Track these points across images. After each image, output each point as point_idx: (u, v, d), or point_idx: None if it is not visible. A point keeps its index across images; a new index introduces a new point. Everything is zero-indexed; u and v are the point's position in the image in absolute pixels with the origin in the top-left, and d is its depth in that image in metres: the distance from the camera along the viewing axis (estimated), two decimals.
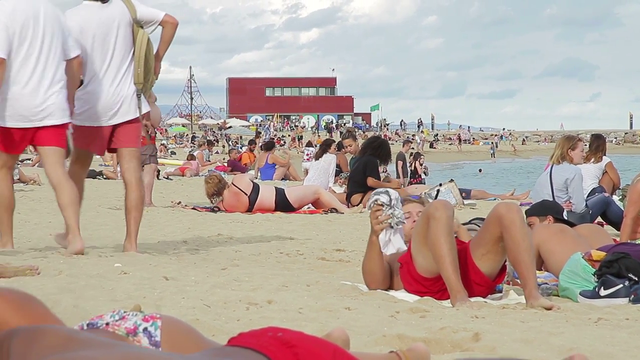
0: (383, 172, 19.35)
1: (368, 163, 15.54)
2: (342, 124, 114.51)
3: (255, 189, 13.73)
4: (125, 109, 7.89)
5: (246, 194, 13.53)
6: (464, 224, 7.39)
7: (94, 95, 7.81)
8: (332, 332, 3.60)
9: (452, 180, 16.58)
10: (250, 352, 2.76)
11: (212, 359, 2.75)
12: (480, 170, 52.64)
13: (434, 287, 5.87)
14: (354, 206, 15.10)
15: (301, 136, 76.94)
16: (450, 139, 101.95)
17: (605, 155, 13.58)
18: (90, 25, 7.82)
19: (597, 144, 13.58)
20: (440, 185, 16.38)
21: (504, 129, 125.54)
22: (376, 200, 6.01)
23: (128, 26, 7.88)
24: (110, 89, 7.83)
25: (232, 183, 13.68)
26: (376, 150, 15.77)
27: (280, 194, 13.95)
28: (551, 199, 10.58)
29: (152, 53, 8.00)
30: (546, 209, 7.73)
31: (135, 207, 8.07)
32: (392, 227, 6.00)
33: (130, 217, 8.07)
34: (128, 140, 7.97)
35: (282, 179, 24.70)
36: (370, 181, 15.43)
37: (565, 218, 7.53)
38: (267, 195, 13.76)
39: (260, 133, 41.07)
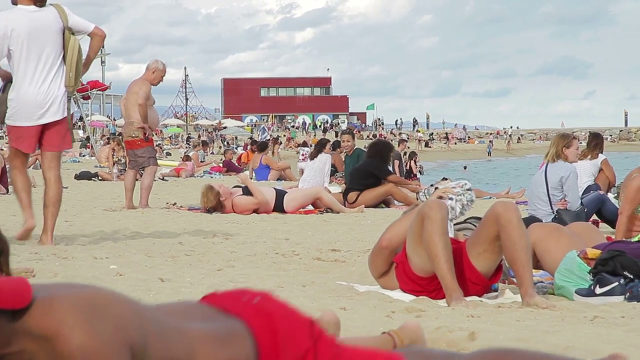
0: None
1: (378, 166, 15.70)
2: (337, 124, 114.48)
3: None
4: (55, 109, 8.28)
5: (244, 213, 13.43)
6: (459, 223, 7.40)
7: (24, 95, 8.21)
8: (323, 315, 3.62)
9: (445, 179, 16.57)
10: (226, 318, 2.74)
11: (193, 322, 2.73)
12: (465, 168, 52.64)
13: (430, 286, 5.87)
14: (350, 203, 15.12)
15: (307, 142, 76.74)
16: (445, 137, 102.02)
17: (602, 153, 13.60)
18: (22, 27, 8.21)
19: (595, 142, 13.60)
20: (432, 185, 16.40)
21: (513, 127, 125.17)
22: (465, 184, 6.54)
23: (60, 32, 8.30)
24: (40, 89, 8.23)
25: (232, 206, 13.47)
26: (377, 153, 15.88)
27: (279, 197, 13.89)
28: (546, 197, 10.59)
29: (82, 59, 8.42)
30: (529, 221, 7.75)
31: (53, 203, 8.44)
32: (450, 199, 6.41)
33: (47, 211, 8.44)
34: (52, 144, 8.40)
35: (278, 179, 24.67)
36: (394, 177, 16.19)
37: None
38: (267, 198, 13.71)
39: (278, 137, 40.81)
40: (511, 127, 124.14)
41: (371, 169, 15.71)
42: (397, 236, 6.13)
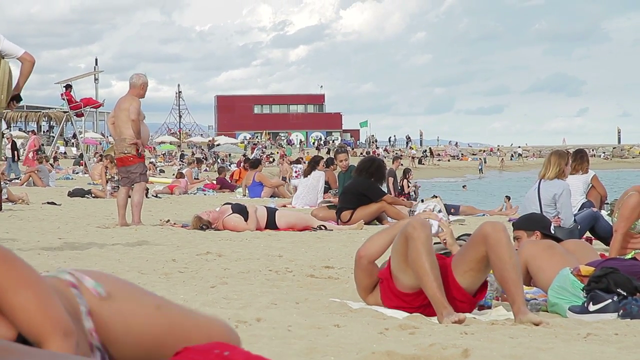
0: None
1: (370, 187, 15.51)
2: (331, 141, 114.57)
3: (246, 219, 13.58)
4: None
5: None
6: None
7: None
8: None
9: (435, 196, 16.57)
10: None
11: None
12: (464, 187, 52.65)
13: (415, 302, 5.85)
14: (344, 222, 15.04)
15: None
16: (439, 154, 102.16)
17: (589, 166, 13.66)
18: None
19: (581, 155, 13.64)
20: (422, 201, 16.40)
21: (519, 146, 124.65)
22: (434, 207, 6.93)
23: None
24: None
25: (223, 226, 13.45)
26: (373, 174, 15.69)
27: (270, 215, 13.87)
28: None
29: (12, 81, 8.80)
30: (534, 224, 7.68)
31: None
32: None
33: None
34: None
35: (271, 197, 24.66)
36: (388, 198, 15.81)
37: (553, 233, 7.51)
38: (259, 218, 13.69)
39: (300, 159, 40.55)
40: (519, 146, 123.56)
41: (362, 189, 15.51)
42: (374, 247, 6.15)
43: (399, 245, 5.80)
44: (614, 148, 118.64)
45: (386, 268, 6.01)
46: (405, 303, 5.90)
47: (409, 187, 29.99)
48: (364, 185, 15.52)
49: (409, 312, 5.86)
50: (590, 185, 13.46)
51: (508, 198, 28.34)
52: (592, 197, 13.27)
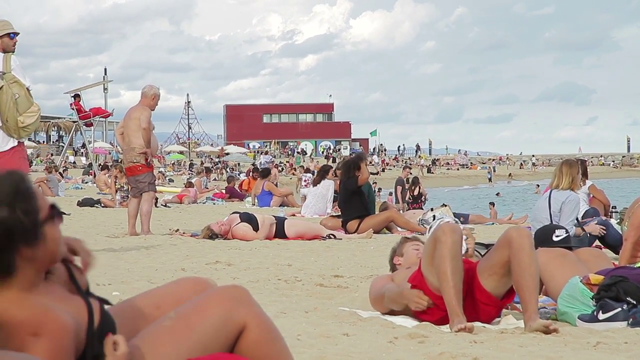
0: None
1: (346, 184, 15.54)
2: (337, 150, 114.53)
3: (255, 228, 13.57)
4: None
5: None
6: None
7: None
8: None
9: (445, 205, 16.55)
10: None
11: None
12: (498, 194, 52.55)
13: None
14: (351, 233, 14.97)
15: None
16: (448, 163, 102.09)
17: (587, 178, 13.71)
18: None
19: (582, 170, 13.66)
20: (432, 210, 16.37)
21: (533, 155, 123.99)
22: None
23: None
24: None
25: (232, 235, 13.46)
26: (345, 174, 15.71)
27: (280, 224, 13.87)
28: (550, 223, 10.56)
29: (5, 101, 9.18)
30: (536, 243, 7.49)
31: None
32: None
33: None
34: None
35: (280, 206, 24.64)
36: (363, 179, 15.45)
37: (557, 240, 7.40)
38: (267, 228, 13.69)
39: (302, 166, 40.17)
40: (533, 155, 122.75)
41: (346, 189, 15.61)
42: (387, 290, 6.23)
43: (428, 247, 5.88)
44: (623, 157, 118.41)
45: (417, 272, 6.01)
46: (438, 305, 5.89)
47: (414, 193, 29.86)
48: (345, 185, 15.57)
49: (443, 315, 5.85)
50: (590, 194, 13.51)
51: (492, 204, 28.44)
52: (594, 206, 13.30)
